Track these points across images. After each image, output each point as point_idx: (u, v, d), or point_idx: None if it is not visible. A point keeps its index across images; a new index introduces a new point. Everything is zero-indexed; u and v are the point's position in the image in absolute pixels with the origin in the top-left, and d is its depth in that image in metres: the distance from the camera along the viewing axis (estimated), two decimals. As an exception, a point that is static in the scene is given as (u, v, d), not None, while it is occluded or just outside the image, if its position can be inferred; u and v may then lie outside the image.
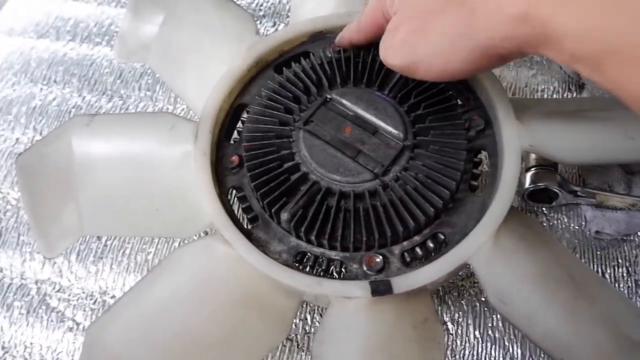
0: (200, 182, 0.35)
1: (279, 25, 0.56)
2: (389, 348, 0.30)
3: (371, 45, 0.37)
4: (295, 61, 0.40)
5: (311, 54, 0.40)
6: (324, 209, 0.33)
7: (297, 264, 0.34)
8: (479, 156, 0.36)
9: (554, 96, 0.49)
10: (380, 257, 0.32)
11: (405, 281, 0.31)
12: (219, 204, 0.34)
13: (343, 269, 0.33)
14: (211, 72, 0.39)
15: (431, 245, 0.33)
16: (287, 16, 0.56)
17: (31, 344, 0.42)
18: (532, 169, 0.42)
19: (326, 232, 0.32)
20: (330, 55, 0.39)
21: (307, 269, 0.34)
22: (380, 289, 0.30)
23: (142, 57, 0.44)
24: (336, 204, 0.33)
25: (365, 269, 0.32)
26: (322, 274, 0.33)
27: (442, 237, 0.33)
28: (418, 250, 0.33)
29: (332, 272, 0.34)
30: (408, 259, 0.33)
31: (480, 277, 0.31)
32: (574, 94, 0.49)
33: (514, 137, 0.34)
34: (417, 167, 0.34)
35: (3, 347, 0.42)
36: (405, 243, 0.33)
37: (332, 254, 0.33)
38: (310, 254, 0.33)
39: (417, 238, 0.33)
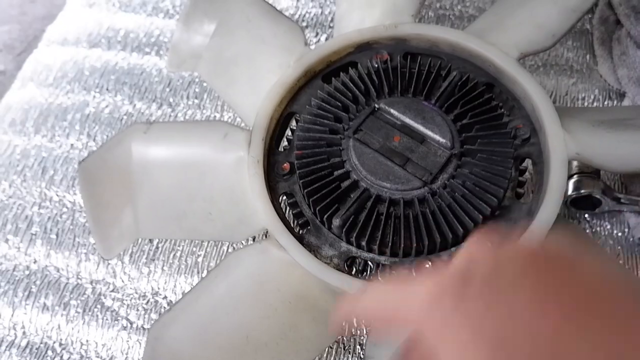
0: (254, 188, 0.36)
1: (321, 35, 0.57)
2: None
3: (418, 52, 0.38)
4: (342, 71, 0.41)
5: (358, 64, 0.41)
6: (375, 216, 0.34)
7: (347, 268, 0.35)
8: (524, 164, 0.37)
9: (595, 104, 0.49)
10: (429, 263, 0.33)
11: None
12: (273, 210, 0.35)
13: (393, 275, 0.34)
14: (262, 82, 0.41)
15: (478, 252, 0.34)
16: (329, 27, 0.57)
17: (87, 341, 0.43)
18: (575, 176, 0.42)
19: (376, 238, 0.34)
20: (377, 65, 0.40)
21: (357, 273, 0.35)
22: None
23: (192, 66, 0.46)
24: (386, 211, 0.34)
25: (414, 274, 0.34)
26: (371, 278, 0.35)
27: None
28: (466, 256, 0.34)
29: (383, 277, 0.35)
30: (456, 265, 0.34)
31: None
32: (615, 102, 0.49)
33: (560, 146, 0.35)
34: (464, 175, 0.35)
35: (61, 344, 0.44)
36: (453, 249, 0.34)
37: (382, 259, 0.34)
38: (361, 258, 0.35)
39: (465, 245, 0.34)
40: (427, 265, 0.33)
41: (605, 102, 0.49)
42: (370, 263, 0.35)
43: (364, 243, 0.34)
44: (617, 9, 0.53)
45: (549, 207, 0.33)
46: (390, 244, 0.33)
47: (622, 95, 0.49)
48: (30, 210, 0.49)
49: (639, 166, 0.36)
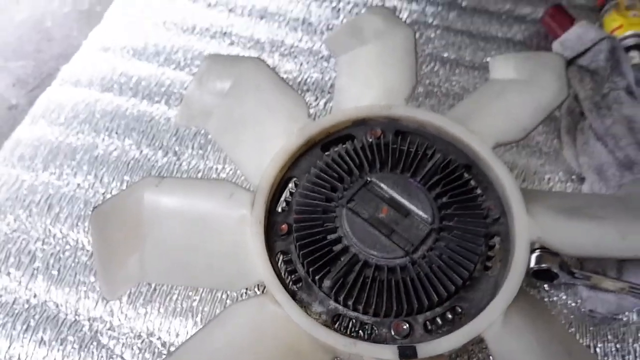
0: (255, 246, 0.40)
1: (320, 99, 0.63)
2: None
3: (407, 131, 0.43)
4: (340, 141, 0.46)
5: (354, 138, 0.46)
6: (361, 279, 0.38)
7: (333, 325, 0.39)
8: (493, 240, 0.42)
9: (559, 185, 0.56)
10: (407, 324, 0.38)
11: (428, 348, 0.36)
12: (271, 267, 0.40)
13: (373, 332, 0.38)
14: (266, 145, 0.45)
15: (450, 316, 0.39)
16: (329, 92, 0.63)
17: (81, 377, 0.46)
18: (537, 250, 0.48)
19: (362, 299, 0.38)
20: (370, 140, 0.45)
21: (342, 329, 0.39)
22: (407, 353, 0.36)
23: (202, 123, 0.50)
24: (372, 275, 0.39)
25: (392, 333, 0.38)
26: (354, 335, 0.39)
27: (460, 310, 0.39)
28: (439, 320, 0.39)
29: (364, 333, 0.39)
30: (430, 327, 0.38)
31: (491, 349, 0.37)
32: (576, 185, 0.55)
33: (524, 229, 0.40)
34: (441, 248, 0.40)
35: (55, 379, 0.46)
36: (428, 313, 0.39)
37: (365, 318, 0.39)
38: (346, 316, 0.39)
39: (438, 309, 0.39)
40: (404, 327, 0.38)
41: (568, 184, 0.56)
42: (353, 321, 0.39)
43: (350, 303, 0.38)
44: (582, 103, 0.60)
45: (512, 282, 0.38)
46: (373, 305, 0.38)
47: (582, 180, 0.56)
48: (34, 245, 0.52)
49: (590, 253, 0.41)
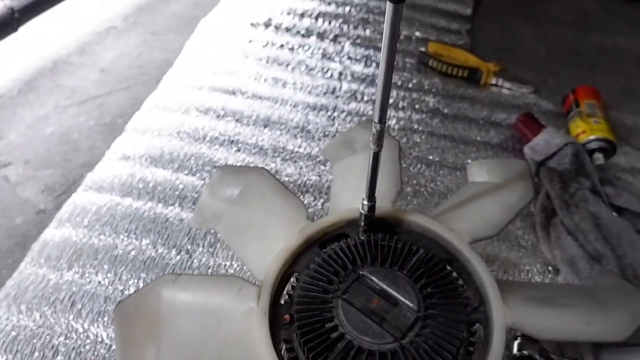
0: (261, 335, 0.46)
1: (319, 200, 0.71)
2: None
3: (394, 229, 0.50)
4: (335, 239, 0.53)
5: (349, 237, 0.53)
6: (356, 364, 0.44)
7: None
8: (475, 327, 0.48)
9: (537, 275, 0.62)
10: (398, 405, 0.43)
11: None
12: (275, 355, 0.45)
13: (368, 413, 0.43)
14: (270, 246, 0.52)
15: (437, 399, 0.44)
16: (326, 193, 0.71)
17: None
18: (519, 338, 0.54)
19: (357, 382, 0.43)
20: (362, 238, 0.53)
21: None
22: None
23: (213, 225, 0.57)
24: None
25: (385, 415, 0.43)
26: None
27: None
28: (427, 402, 0.43)
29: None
30: (418, 409, 0.43)
31: None
32: (552, 276, 0.62)
33: (500, 317, 0.46)
34: (427, 334, 0.45)
35: None
36: (417, 395, 0.44)
37: (361, 401, 0.44)
38: (344, 399, 0.44)
39: None
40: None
41: (546, 275, 0.62)
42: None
43: (346, 386, 0.43)
44: (553, 201, 0.68)
45: (492, 362, 0.44)
46: (367, 389, 0.43)
47: (558, 271, 0.62)
48: (57, 340, 0.57)
49: (558, 336, 0.47)
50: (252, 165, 0.76)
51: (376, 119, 0.43)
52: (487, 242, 0.67)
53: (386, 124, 0.44)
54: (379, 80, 0.42)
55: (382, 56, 0.40)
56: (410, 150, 0.80)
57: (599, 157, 0.76)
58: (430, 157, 0.78)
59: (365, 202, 0.51)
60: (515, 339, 0.54)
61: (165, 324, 0.48)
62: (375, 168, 0.47)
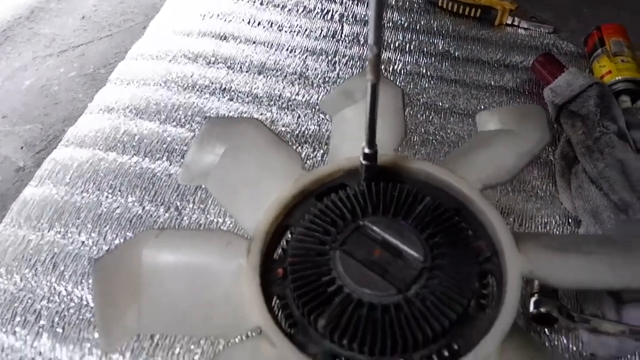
0: (251, 291, 0.44)
1: (318, 151, 0.68)
2: None
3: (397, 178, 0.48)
4: (334, 191, 0.51)
5: (347, 187, 0.51)
6: (355, 318, 0.42)
7: (331, 366, 0.42)
8: (487, 279, 0.46)
9: (556, 228, 0.60)
10: (402, 360, 0.41)
11: (423, 383, 0.39)
12: (267, 310, 0.43)
13: (371, 371, 0.42)
14: (263, 200, 0.50)
15: (446, 353, 0.42)
16: (326, 144, 0.69)
17: None
18: (536, 295, 0.52)
19: (357, 338, 0.41)
20: (363, 188, 0.50)
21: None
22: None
23: (202, 181, 0.55)
24: (366, 314, 0.42)
25: (389, 371, 0.41)
26: (352, 375, 0.42)
27: (456, 347, 0.42)
28: (435, 357, 0.42)
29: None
30: (426, 365, 0.42)
31: (487, 385, 0.40)
32: (573, 228, 0.59)
33: (516, 265, 0.44)
34: (434, 286, 0.43)
35: None
36: (423, 350, 0.42)
37: (362, 357, 0.42)
38: (342, 356, 0.42)
39: (434, 346, 0.42)
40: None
41: (565, 227, 0.60)
42: (351, 360, 0.42)
43: (345, 342, 0.42)
44: (575, 147, 0.65)
45: (506, 316, 0.42)
46: (369, 344, 0.41)
47: (579, 222, 0.60)
48: (39, 304, 0.56)
49: (580, 285, 0.45)
50: (245, 115, 0.74)
51: (371, 41, 0.39)
52: (501, 193, 0.65)
53: (381, 50, 0.41)
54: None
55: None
56: (418, 96, 0.76)
57: (626, 100, 0.73)
58: (440, 104, 0.75)
59: (366, 149, 0.48)
60: (532, 296, 0.52)
61: (147, 284, 0.46)
62: (373, 104, 0.44)
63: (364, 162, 0.49)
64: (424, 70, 0.80)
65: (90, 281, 0.58)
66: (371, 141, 0.48)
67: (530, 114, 0.56)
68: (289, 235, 0.50)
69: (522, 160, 0.51)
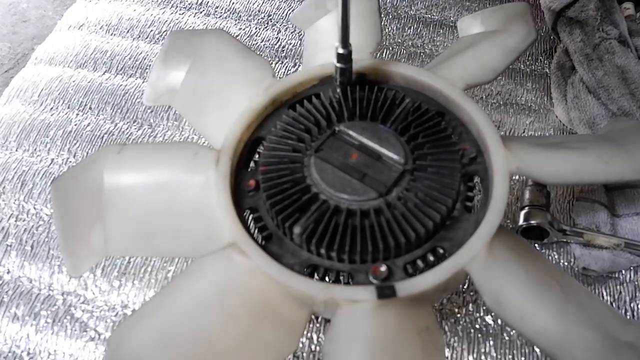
0: (220, 202, 0.40)
1: (299, 65, 0.63)
2: (393, 349, 0.35)
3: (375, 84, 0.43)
4: (307, 100, 0.46)
5: (321, 95, 0.46)
6: (333, 225, 0.39)
7: (308, 276, 0.39)
8: (472, 181, 0.42)
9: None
10: (385, 266, 0.38)
11: (408, 285, 0.36)
12: (238, 221, 0.40)
13: (351, 280, 0.38)
14: (232, 112, 0.45)
15: (431, 258, 0.39)
16: (306, 58, 0.64)
17: (55, 351, 0.46)
18: (526, 207, 0.48)
19: (335, 246, 0.38)
20: (338, 95, 0.45)
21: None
22: (385, 292, 0.36)
23: (168, 101, 0.50)
24: (344, 220, 0.39)
25: (371, 278, 0.38)
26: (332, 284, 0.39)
27: (442, 251, 0.39)
28: (419, 262, 0.39)
29: (341, 282, 0.39)
30: (410, 271, 0.38)
31: (477, 282, 0.37)
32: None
33: (502, 161, 0.40)
34: (417, 188, 0.40)
35: (29, 353, 0.46)
36: (407, 256, 0.39)
37: (341, 266, 0.39)
38: (321, 266, 0.39)
39: (418, 251, 0.39)
40: (382, 269, 0.38)
41: (559, 139, 0.56)
42: (329, 270, 0.39)
43: (323, 250, 0.38)
44: (572, 56, 0.60)
45: (494, 214, 0.38)
46: (348, 251, 0.38)
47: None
48: (7, 222, 0.53)
49: (572, 180, 0.42)
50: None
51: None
52: (492, 106, 0.60)
53: None
54: None
55: None
56: (405, 9, 0.71)
57: (629, 7, 0.67)
58: (429, 15, 0.70)
59: (339, 48, 0.43)
60: (522, 209, 0.48)
61: (111, 201, 0.42)
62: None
63: (338, 64, 0.44)
64: (413, -19, 0.74)
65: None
66: (344, 40, 0.43)
67: (515, 11, 0.52)
68: (262, 148, 0.46)
69: (507, 57, 0.47)
